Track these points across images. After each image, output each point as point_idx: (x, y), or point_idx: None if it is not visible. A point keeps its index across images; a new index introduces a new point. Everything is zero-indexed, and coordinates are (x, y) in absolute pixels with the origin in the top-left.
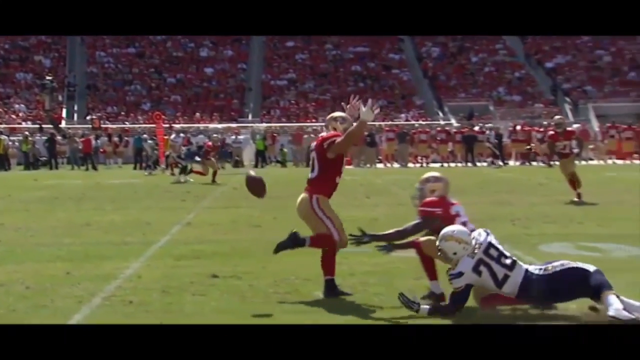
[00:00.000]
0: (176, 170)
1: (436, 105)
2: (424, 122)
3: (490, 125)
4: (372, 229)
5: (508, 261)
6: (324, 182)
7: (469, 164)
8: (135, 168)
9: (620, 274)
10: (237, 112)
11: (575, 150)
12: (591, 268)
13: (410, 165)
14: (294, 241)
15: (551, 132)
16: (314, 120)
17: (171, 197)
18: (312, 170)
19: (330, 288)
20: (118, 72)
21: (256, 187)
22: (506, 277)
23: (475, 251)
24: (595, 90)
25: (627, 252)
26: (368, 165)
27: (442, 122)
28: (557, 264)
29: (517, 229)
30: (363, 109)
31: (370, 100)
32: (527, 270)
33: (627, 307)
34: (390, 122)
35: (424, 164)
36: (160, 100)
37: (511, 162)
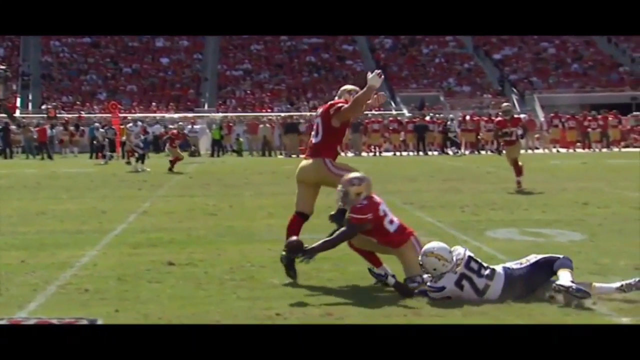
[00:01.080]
0: (132, 159)
1: (389, 95)
2: (376, 112)
3: (442, 115)
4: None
5: (487, 272)
6: (329, 146)
7: (421, 153)
8: (91, 157)
9: None
10: (193, 102)
11: (520, 132)
12: (561, 255)
13: (364, 154)
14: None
15: (499, 119)
16: (269, 110)
17: (127, 186)
18: (316, 135)
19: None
20: (73, 61)
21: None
22: (487, 286)
23: (457, 268)
24: (541, 82)
25: (568, 237)
26: None
27: (394, 112)
28: (532, 257)
29: (465, 215)
30: (370, 75)
31: (377, 70)
32: (506, 271)
33: (579, 284)
34: None
35: (377, 153)
36: (116, 90)
37: (461, 151)
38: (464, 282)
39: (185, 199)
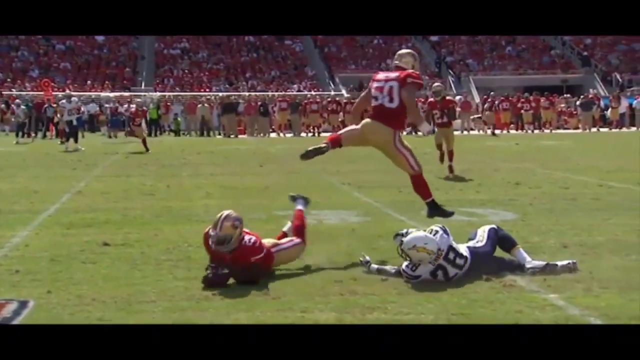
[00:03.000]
0: (71, 141)
1: (327, 76)
2: (315, 93)
3: None
4: (265, 196)
5: (461, 261)
6: (402, 115)
7: None
8: (23, 136)
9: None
10: (129, 80)
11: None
12: (494, 225)
13: (302, 134)
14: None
15: (430, 100)
16: (207, 90)
17: (61, 166)
18: (391, 101)
19: (434, 207)
20: (4, 37)
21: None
22: (457, 274)
23: (437, 260)
24: (476, 64)
25: (500, 217)
26: (262, 135)
27: (333, 93)
28: (480, 234)
29: (403, 195)
30: (425, 127)
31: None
32: (472, 254)
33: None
34: (282, 93)
35: (316, 134)
36: (49, 67)
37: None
38: (439, 272)
39: (121, 179)
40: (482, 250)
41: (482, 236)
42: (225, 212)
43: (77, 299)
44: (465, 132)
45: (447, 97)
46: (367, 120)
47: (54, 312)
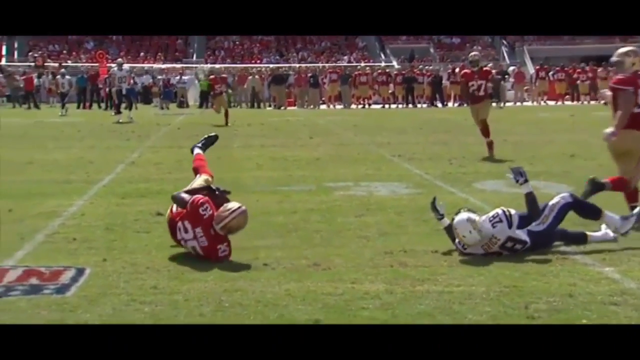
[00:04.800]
0: (126, 113)
1: (378, 47)
2: (366, 64)
3: (431, 67)
4: (315, 168)
5: (519, 246)
6: None
7: (410, 106)
8: (78, 107)
9: None
10: (181, 52)
11: (490, 86)
12: (569, 198)
13: (352, 106)
14: (594, 186)
15: (465, 71)
16: (258, 61)
17: (115, 136)
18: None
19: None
20: None
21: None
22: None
23: (491, 246)
24: None
25: (555, 189)
26: (311, 106)
27: (383, 64)
28: (547, 213)
29: (453, 167)
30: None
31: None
32: (533, 237)
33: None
34: (333, 64)
35: (366, 105)
36: (104, 39)
37: (450, 104)
38: (490, 254)
39: (173, 150)
40: (545, 231)
41: (547, 216)
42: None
43: (131, 267)
44: (518, 104)
45: (485, 68)
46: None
47: (109, 279)
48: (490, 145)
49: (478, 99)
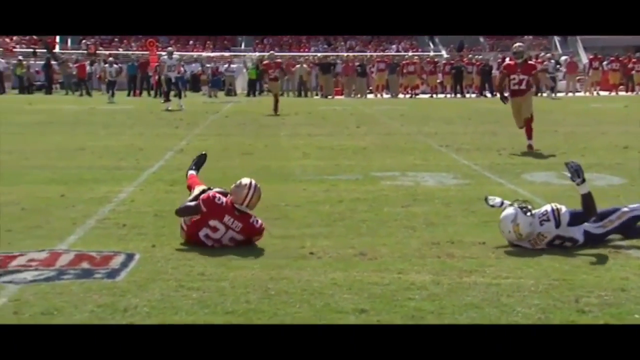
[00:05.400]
0: (175, 101)
1: (427, 36)
2: (414, 53)
3: (481, 56)
4: (362, 157)
5: (569, 243)
6: None
7: (458, 95)
8: (128, 95)
9: (600, 202)
10: (230, 40)
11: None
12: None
13: (400, 95)
14: None
15: (508, 62)
16: (305, 50)
17: (164, 124)
18: None
19: None
20: None
21: None
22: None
23: (538, 242)
24: None
25: (607, 181)
26: (359, 96)
27: (432, 54)
28: (615, 216)
29: (502, 158)
30: None
31: None
32: (588, 237)
33: None
34: (381, 53)
35: (414, 95)
36: None
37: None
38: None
39: (221, 138)
40: (603, 235)
41: (612, 221)
42: (254, 181)
43: (179, 253)
44: (570, 94)
45: (530, 61)
46: None
47: (158, 265)
48: (530, 148)
49: (518, 93)
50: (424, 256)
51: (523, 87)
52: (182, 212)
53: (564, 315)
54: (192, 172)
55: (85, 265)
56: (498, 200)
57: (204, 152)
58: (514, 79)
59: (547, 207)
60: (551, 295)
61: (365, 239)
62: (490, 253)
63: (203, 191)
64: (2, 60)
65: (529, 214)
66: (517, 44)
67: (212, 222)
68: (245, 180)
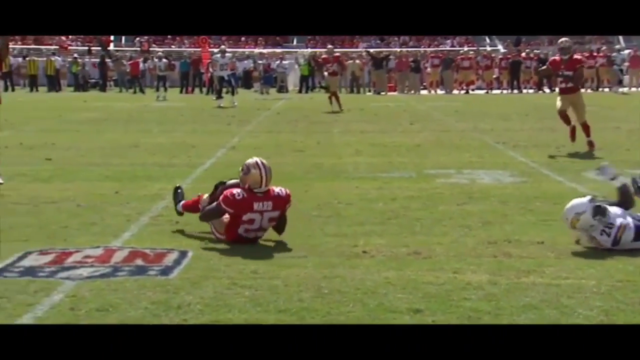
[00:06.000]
0: (227, 98)
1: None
2: (469, 48)
3: (539, 50)
4: (415, 154)
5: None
6: None
7: (515, 91)
8: (181, 92)
9: None
10: (282, 37)
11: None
12: None
13: (454, 91)
14: None
15: (554, 58)
16: (358, 46)
17: (216, 121)
18: None
19: None
20: None
21: None
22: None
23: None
24: None
25: None
26: (412, 92)
27: (488, 48)
28: None
29: (561, 155)
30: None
31: None
32: (637, 226)
33: None
34: (435, 48)
35: (469, 91)
36: None
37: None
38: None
39: (273, 135)
40: None
41: None
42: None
43: (232, 251)
44: (633, 89)
45: (575, 56)
46: None
47: (210, 262)
48: (590, 145)
49: (566, 90)
50: (480, 255)
51: (569, 84)
52: (206, 217)
53: (627, 318)
54: (180, 205)
55: (139, 262)
56: (611, 171)
57: (177, 185)
58: (559, 75)
59: (618, 221)
60: (614, 297)
61: (420, 237)
62: (549, 253)
63: (215, 189)
64: (59, 58)
65: (597, 217)
66: (563, 39)
67: (245, 217)
68: (251, 162)
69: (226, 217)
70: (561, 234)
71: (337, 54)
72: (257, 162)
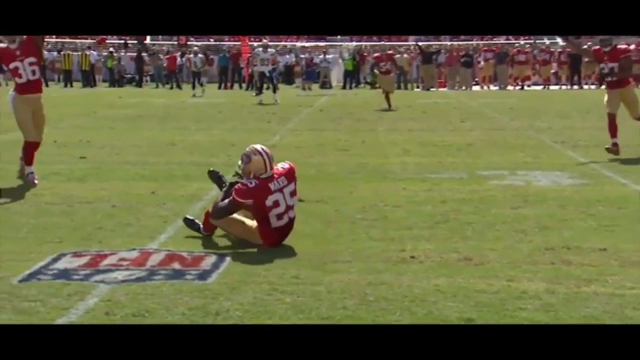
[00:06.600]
0: (268, 94)
1: None
2: (525, 41)
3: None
4: (467, 154)
5: None
6: None
7: (575, 87)
8: (219, 87)
9: None
10: None
11: (613, 78)
12: None
13: (509, 87)
14: None
15: (595, 47)
16: (405, 39)
17: (256, 118)
18: None
19: None
20: None
21: None
22: None
23: None
24: None
25: None
26: (463, 88)
27: (546, 42)
28: None
29: (625, 156)
30: None
31: None
32: None
33: None
34: (488, 42)
35: (524, 87)
36: None
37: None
38: None
39: (315, 133)
40: None
41: None
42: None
43: (271, 254)
44: None
45: (619, 46)
46: None
47: (249, 267)
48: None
49: (613, 84)
50: (536, 263)
51: (615, 78)
52: (218, 213)
53: None
54: (202, 229)
55: (176, 265)
56: None
57: (185, 217)
58: (603, 68)
59: None
60: None
61: (471, 242)
62: (612, 260)
63: (230, 187)
64: (94, 53)
65: None
66: None
67: (268, 202)
68: (249, 150)
69: (253, 222)
70: (625, 240)
71: (390, 52)
72: (256, 149)
